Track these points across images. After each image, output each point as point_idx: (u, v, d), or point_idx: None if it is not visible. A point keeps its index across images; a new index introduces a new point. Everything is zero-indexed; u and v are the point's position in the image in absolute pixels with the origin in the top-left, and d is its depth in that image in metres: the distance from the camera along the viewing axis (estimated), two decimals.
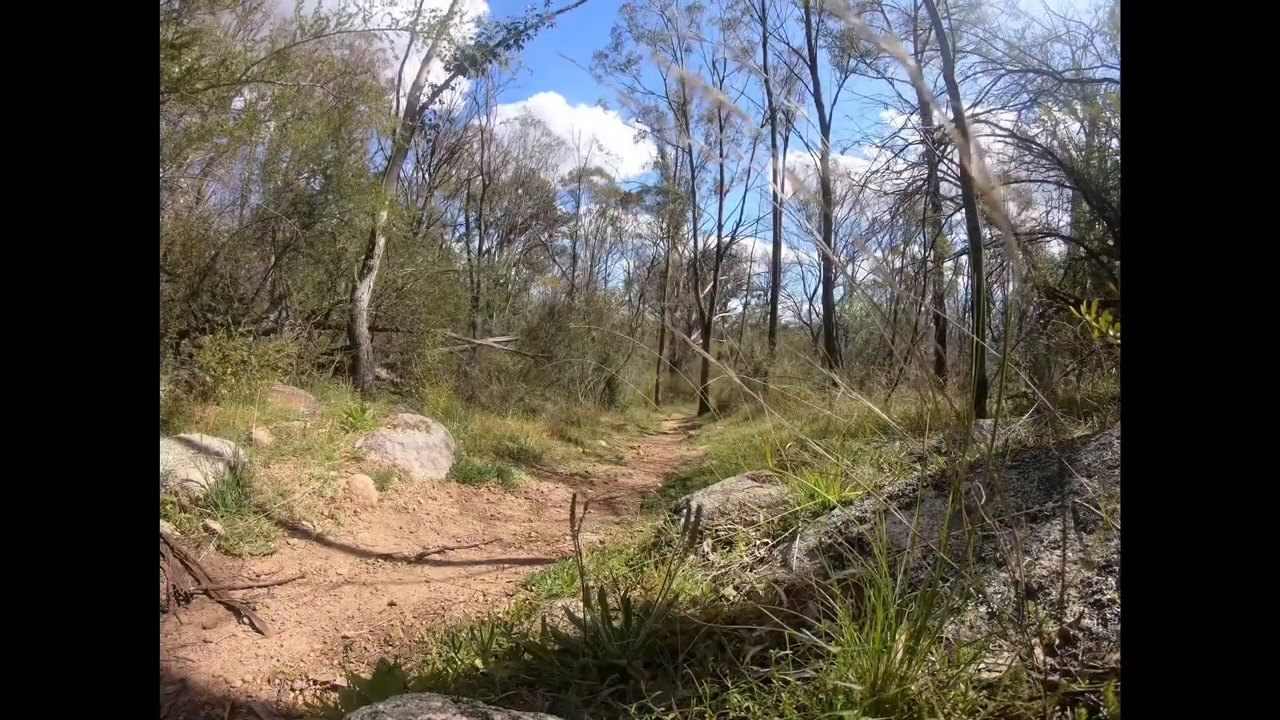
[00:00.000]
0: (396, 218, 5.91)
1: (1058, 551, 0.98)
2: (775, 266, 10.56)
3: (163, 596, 1.51)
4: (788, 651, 0.85)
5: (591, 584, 1.43)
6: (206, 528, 1.98)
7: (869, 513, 1.39)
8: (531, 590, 1.74)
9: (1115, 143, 4.93)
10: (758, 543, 1.49)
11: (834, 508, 1.49)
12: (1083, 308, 1.01)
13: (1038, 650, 0.78)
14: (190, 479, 2.10)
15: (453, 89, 6.43)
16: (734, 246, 14.80)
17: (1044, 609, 0.87)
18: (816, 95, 9.04)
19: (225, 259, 5.09)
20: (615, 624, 1.06)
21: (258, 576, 1.84)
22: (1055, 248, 6.23)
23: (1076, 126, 5.50)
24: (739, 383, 1.19)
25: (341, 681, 1.32)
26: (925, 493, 1.37)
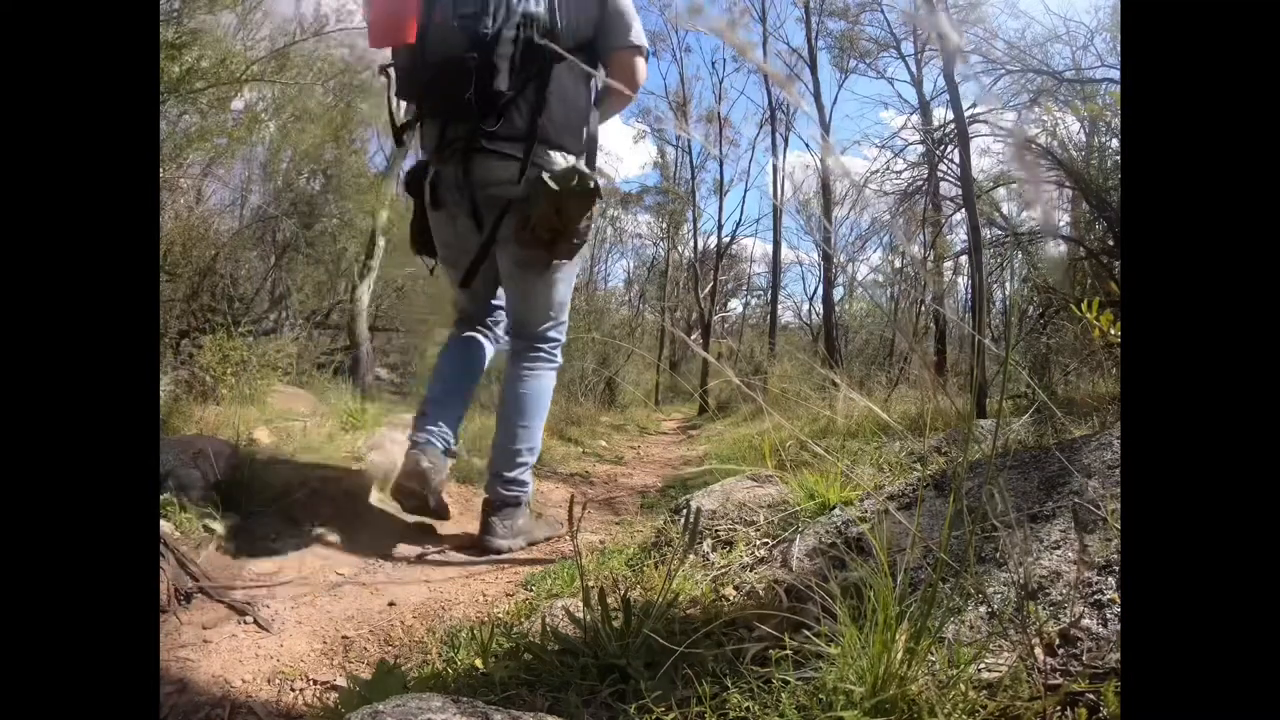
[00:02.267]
0: (397, 218, 5.91)
1: (1058, 551, 0.98)
2: (775, 266, 10.56)
3: (163, 596, 1.51)
4: (788, 652, 0.85)
5: (591, 584, 1.43)
6: (206, 528, 1.98)
7: (869, 513, 1.39)
8: (531, 590, 1.74)
9: (1115, 143, 4.94)
10: (758, 543, 1.49)
11: (834, 508, 1.49)
12: (1083, 307, 1.01)
13: (1038, 650, 0.78)
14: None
15: None
16: (734, 246, 14.82)
17: (1044, 609, 0.87)
18: (816, 95, 9.05)
19: (225, 259, 5.09)
20: (615, 624, 1.06)
21: (258, 576, 1.84)
22: (1055, 248, 6.23)
23: (1076, 126, 5.51)
24: (738, 383, 1.19)
25: (341, 681, 1.31)
26: (925, 493, 1.37)
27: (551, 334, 1.82)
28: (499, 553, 1.85)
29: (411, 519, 2.03)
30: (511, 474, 1.87)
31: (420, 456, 1.78)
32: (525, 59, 1.48)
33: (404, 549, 2.21)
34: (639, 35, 1.63)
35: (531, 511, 2.01)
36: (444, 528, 2.13)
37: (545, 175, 1.48)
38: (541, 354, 1.81)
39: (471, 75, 1.44)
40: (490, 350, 1.97)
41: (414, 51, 1.50)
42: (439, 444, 1.83)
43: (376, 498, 2.18)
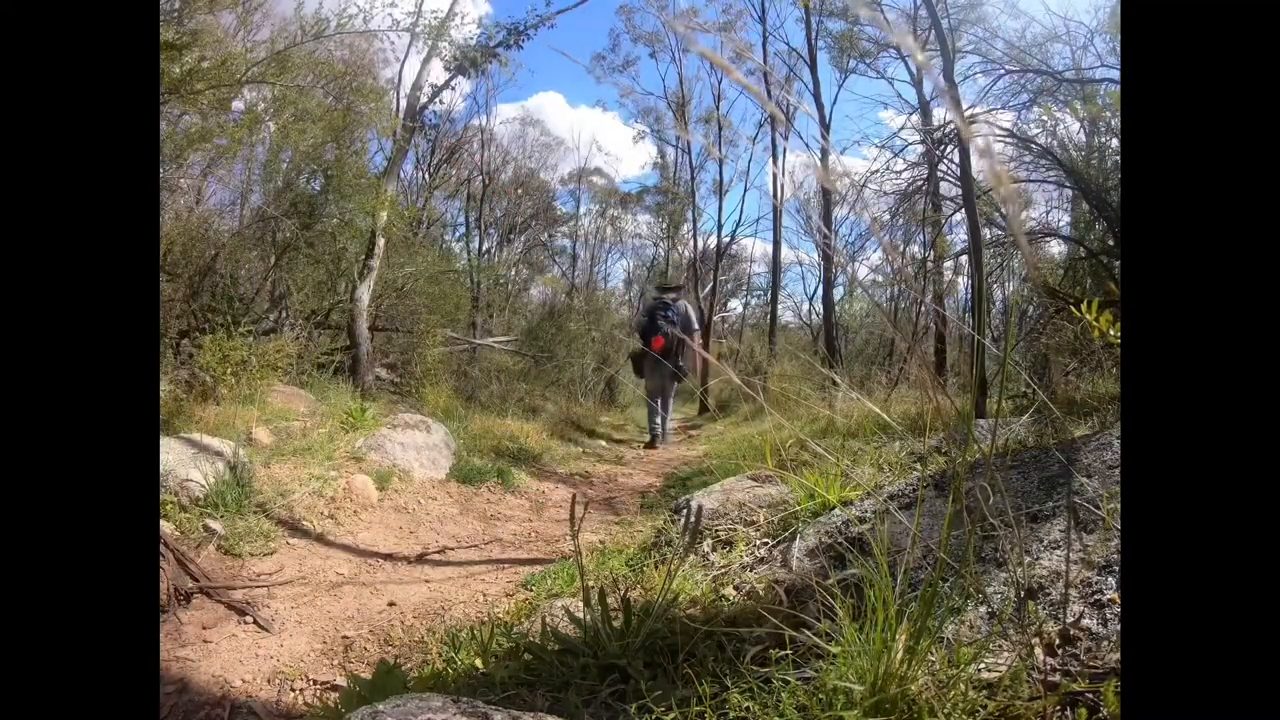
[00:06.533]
0: (396, 218, 5.90)
1: (1058, 551, 0.98)
2: (775, 266, 10.55)
3: (163, 596, 1.51)
4: (788, 651, 0.85)
5: (591, 584, 1.43)
6: (206, 528, 1.98)
7: (869, 513, 1.39)
8: (531, 590, 1.74)
9: (1115, 143, 4.93)
10: (758, 543, 1.49)
11: (834, 508, 1.49)
12: (1083, 307, 1.01)
13: (1038, 650, 0.78)
14: (190, 479, 2.10)
15: (453, 89, 6.43)
16: (734, 246, 14.76)
17: (1044, 609, 0.87)
18: (816, 95, 9.02)
19: (225, 259, 5.09)
20: (615, 624, 1.06)
21: (258, 576, 1.84)
22: (1055, 248, 6.23)
23: (1076, 126, 5.51)
24: (738, 383, 1.19)
25: (341, 681, 1.32)
26: (925, 493, 1.37)
27: (672, 394, 6.12)
28: (666, 443, 5.77)
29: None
30: (668, 415, 5.93)
31: (656, 434, 5.69)
32: (679, 338, 5.41)
33: (404, 548, 2.22)
34: (695, 325, 5.71)
35: (674, 433, 6.44)
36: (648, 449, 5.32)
37: (680, 366, 5.56)
38: (670, 400, 6.03)
39: (670, 349, 5.44)
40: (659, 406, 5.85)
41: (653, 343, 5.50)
42: (659, 430, 5.70)
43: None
